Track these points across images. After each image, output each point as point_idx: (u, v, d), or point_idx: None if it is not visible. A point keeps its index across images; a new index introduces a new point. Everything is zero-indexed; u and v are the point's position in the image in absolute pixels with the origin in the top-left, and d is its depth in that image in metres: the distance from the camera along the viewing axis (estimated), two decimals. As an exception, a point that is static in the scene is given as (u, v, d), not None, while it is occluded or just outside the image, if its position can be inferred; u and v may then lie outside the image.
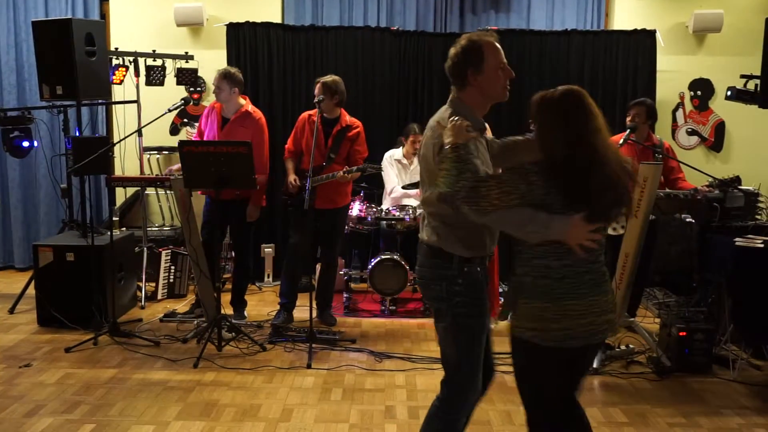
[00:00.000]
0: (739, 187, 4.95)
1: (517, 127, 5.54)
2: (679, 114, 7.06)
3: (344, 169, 5.02)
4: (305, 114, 5.23)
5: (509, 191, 2.27)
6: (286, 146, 5.33)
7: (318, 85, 5.08)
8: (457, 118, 2.42)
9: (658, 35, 6.68)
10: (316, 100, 4.96)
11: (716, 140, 7.04)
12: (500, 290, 5.97)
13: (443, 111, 2.60)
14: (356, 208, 5.70)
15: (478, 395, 2.68)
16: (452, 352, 2.62)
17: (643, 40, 6.69)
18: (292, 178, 5.12)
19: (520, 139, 2.77)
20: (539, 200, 2.27)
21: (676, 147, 6.88)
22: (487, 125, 2.88)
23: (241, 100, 5.20)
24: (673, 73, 6.90)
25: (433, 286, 2.61)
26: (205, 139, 5.21)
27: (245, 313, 5.42)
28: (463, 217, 2.44)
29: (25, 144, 5.82)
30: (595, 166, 2.28)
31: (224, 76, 5.11)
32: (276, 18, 6.89)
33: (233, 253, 5.52)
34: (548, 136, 2.36)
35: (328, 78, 5.09)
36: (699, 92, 7.02)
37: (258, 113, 5.25)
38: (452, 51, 2.60)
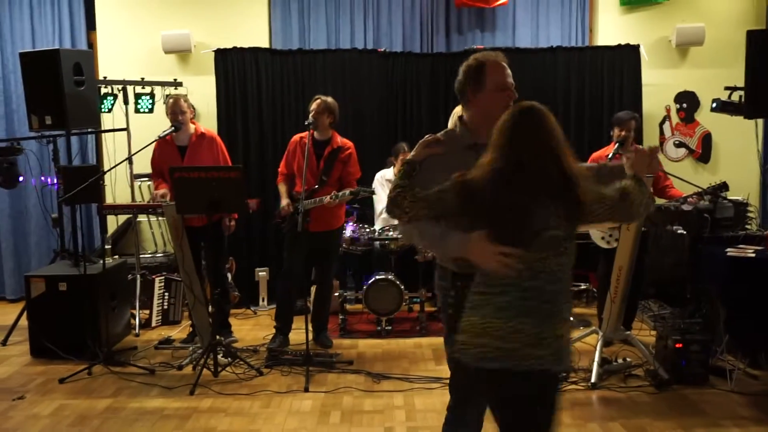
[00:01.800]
0: (729, 197, 4.99)
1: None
2: (666, 127, 7.13)
3: (332, 194, 4.96)
4: (296, 137, 5.24)
5: (418, 200, 2.33)
6: (279, 170, 5.33)
7: (317, 101, 5.07)
8: (428, 135, 2.55)
9: (642, 50, 6.76)
10: (307, 122, 4.97)
11: (704, 152, 7.11)
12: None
13: (450, 130, 2.72)
14: (349, 229, 5.70)
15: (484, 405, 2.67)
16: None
17: (628, 55, 6.78)
18: (285, 202, 5.12)
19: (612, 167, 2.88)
20: (448, 215, 2.33)
21: (664, 159, 6.96)
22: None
23: (191, 125, 5.23)
24: (658, 86, 6.98)
25: (438, 296, 2.75)
26: (165, 169, 5.13)
27: (233, 336, 5.40)
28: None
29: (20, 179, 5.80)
30: (511, 186, 2.18)
31: (185, 100, 5.17)
32: (263, 43, 6.93)
33: (209, 278, 5.38)
34: (492, 151, 2.27)
35: (328, 97, 5.12)
36: (684, 105, 7.10)
37: (211, 132, 5.34)
38: (460, 69, 2.66)
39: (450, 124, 4.99)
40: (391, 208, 2.39)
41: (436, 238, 2.43)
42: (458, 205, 2.26)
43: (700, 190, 4.95)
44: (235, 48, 6.68)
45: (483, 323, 2.21)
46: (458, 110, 5.25)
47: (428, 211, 2.33)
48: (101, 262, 5.09)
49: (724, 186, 4.94)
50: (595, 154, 5.39)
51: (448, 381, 4.44)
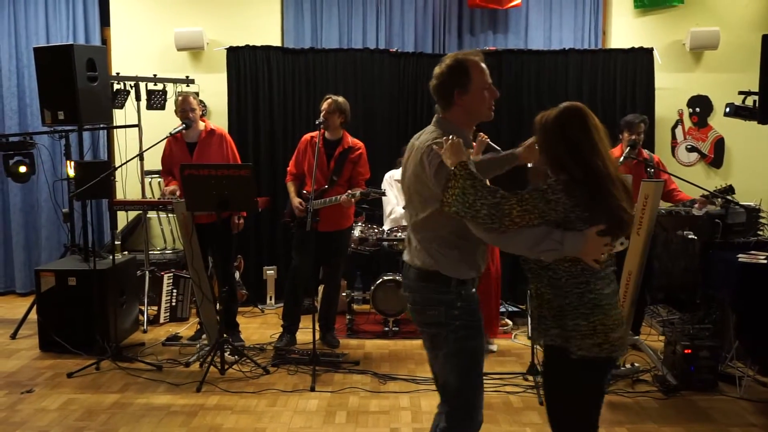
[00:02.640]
0: (741, 203, 4.96)
1: (516, 146, 5.57)
2: (678, 131, 7.08)
3: (347, 193, 4.98)
4: (307, 136, 5.24)
5: (530, 210, 2.28)
6: (288, 169, 5.33)
7: (328, 101, 5.07)
8: (452, 136, 2.42)
9: (655, 53, 6.72)
10: (318, 121, 4.97)
11: (716, 156, 7.06)
12: (501, 310, 5.96)
13: (431, 132, 2.58)
14: (358, 230, 5.70)
15: (482, 417, 2.63)
16: (454, 378, 2.56)
17: (641, 58, 6.74)
18: (297, 201, 5.11)
19: (489, 158, 2.87)
20: (561, 218, 2.28)
21: (675, 164, 6.92)
22: (478, 140, 2.93)
23: (201, 122, 5.24)
24: (671, 90, 6.93)
25: (429, 312, 2.54)
26: (175, 167, 5.16)
27: (241, 336, 5.40)
28: (459, 238, 2.46)
29: (22, 169, 5.81)
30: (606, 180, 2.31)
31: (194, 97, 5.18)
32: (275, 41, 6.94)
33: (217, 276, 5.42)
34: (551, 153, 2.40)
35: (339, 97, 5.12)
36: (698, 109, 7.05)
37: (221, 129, 5.33)
38: (437, 70, 2.57)
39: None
40: (498, 218, 2.27)
41: (554, 241, 2.27)
42: (574, 209, 2.28)
43: (707, 193, 4.93)
44: (247, 46, 6.69)
45: (614, 316, 2.38)
46: None
47: (540, 220, 2.29)
48: (111, 257, 5.11)
49: (730, 189, 4.91)
50: None
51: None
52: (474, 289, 2.59)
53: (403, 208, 5.74)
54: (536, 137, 2.49)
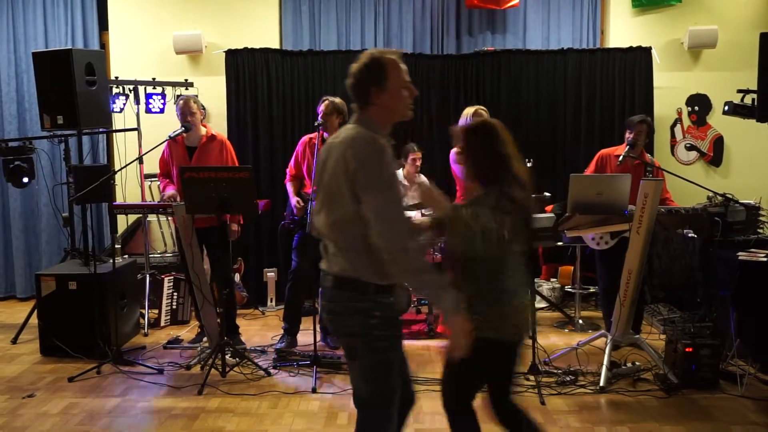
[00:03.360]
0: (741, 201, 4.96)
1: (525, 142, 5.58)
2: (678, 130, 7.09)
3: None
4: (306, 137, 5.25)
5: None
6: (288, 170, 5.34)
7: (325, 103, 5.07)
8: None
9: (653, 52, 6.73)
10: (317, 123, 4.98)
11: (715, 155, 7.06)
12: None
13: (353, 129, 2.47)
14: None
15: (395, 428, 2.55)
16: (366, 388, 2.49)
17: (639, 57, 6.74)
18: (296, 200, 5.12)
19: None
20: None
21: (675, 162, 6.92)
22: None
23: (202, 127, 5.25)
24: (670, 89, 6.94)
25: (346, 322, 2.45)
26: (174, 170, 5.19)
27: (242, 339, 5.39)
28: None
29: (24, 180, 5.80)
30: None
31: (195, 101, 5.17)
32: (274, 44, 6.94)
33: (216, 279, 5.42)
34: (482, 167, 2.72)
35: (337, 99, 5.12)
36: (696, 107, 7.06)
37: (221, 135, 5.33)
38: (354, 68, 2.50)
39: (461, 123, 5.02)
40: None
41: (439, 287, 2.43)
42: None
43: (709, 198, 4.94)
44: (245, 49, 6.69)
45: (514, 304, 2.68)
46: (469, 110, 5.24)
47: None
48: (111, 261, 5.11)
49: (731, 201, 4.90)
50: (603, 151, 5.37)
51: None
52: (395, 297, 2.46)
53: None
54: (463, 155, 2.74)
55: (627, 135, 5.16)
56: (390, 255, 2.32)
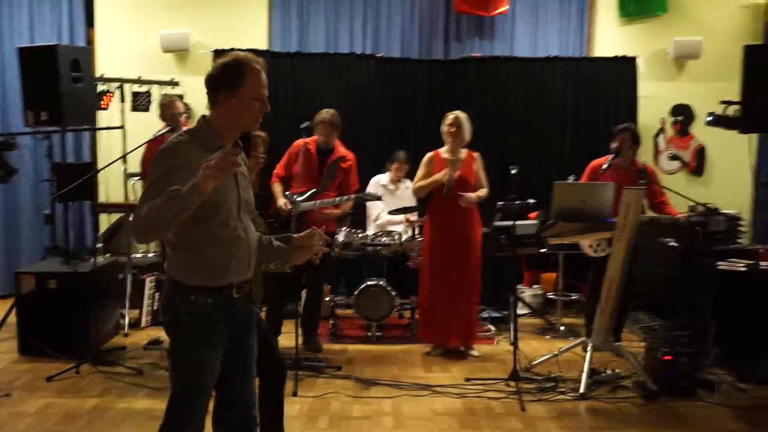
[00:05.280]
0: (721, 211, 5.02)
1: (498, 151, 5.62)
2: (661, 139, 7.16)
3: (344, 197, 5.14)
4: (301, 141, 5.24)
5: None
6: (275, 171, 5.34)
7: (320, 125, 5.21)
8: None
9: (638, 61, 6.78)
10: (303, 125, 4.99)
11: (697, 165, 7.14)
12: (484, 316, 5.98)
13: (176, 136, 2.40)
14: (342, 234, 5.68)
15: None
16: (173, 383, 2.44)
17: (625, 67, 6.80)
18: (282, 202, 5.12)
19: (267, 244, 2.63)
20: None
21: (658, 172, 6.97)
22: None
23: (185, 127, 5.25)
24: (654, 99, 6.99)
25: (165, 311, 2.44)
26: None
27: None
28: (182, 238, 2.33)
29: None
30: None
31: (180, 101, 5.21)
32: (262, 44, 6.93)
33: None
34: None
35: (326, 115, 5.21)
36: (680, 117, 7.13)
37: None
38: (215, 63, 2.42)
39: (467, 131, 5.03)
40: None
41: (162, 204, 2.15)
42: None
43: (691, 207, 5.00)
44: (233, 49, 6.64)
45: None
46: (449, 116, 5.23)
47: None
48: (92, 260, 5.07)
49: (714, 211, 4.96)
50: (593, 163, 5.40)
51: (437, 388, 4.47)
52: (214, 299, 2.36)
53: (390, 212, 5.79)
54: None
55: (611, 144, 5.20)
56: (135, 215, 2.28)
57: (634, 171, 5.13)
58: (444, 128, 5.19)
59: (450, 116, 5.18)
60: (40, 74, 5.30)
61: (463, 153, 5.25)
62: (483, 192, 5.19)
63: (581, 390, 4.38)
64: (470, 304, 5.24)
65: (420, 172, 5.26)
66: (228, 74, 2.37)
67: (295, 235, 2.65)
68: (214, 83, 2.39)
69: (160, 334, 5.60)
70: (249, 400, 2.58)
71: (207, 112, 2.50)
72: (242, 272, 2.45)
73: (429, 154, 5.27)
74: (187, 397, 2.42)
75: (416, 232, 5.78)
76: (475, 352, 5.28)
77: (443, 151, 5.25)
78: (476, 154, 5.29)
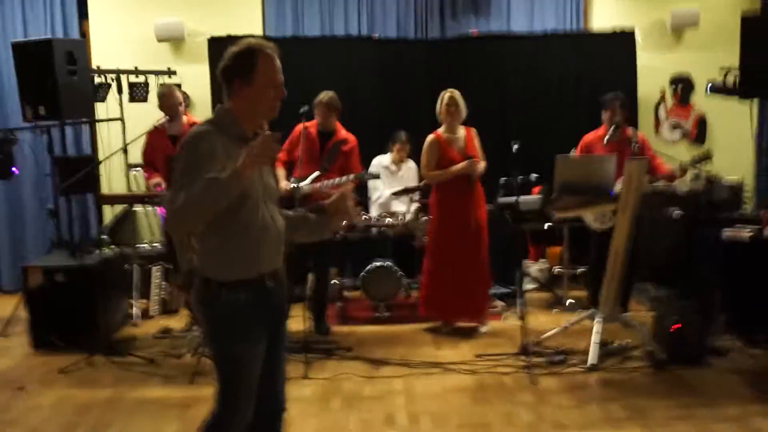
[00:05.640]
0: (724, 179, 5.02)
1: (499, 127, 5.61)
2: (661, 110, 7.14)
3: (342, 178, 5.09)
4: (301, 125, 5.23)
5: None
6: (278, 156, 5.33)
7: (320, 107, 5.22)
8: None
9: (636, 33, 6.74)
10: (302, 110, 4.97)
11: (699, 134, 7.12)
12: (492, 292, 5.99)
13: (198, 125, 2.40)
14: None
15: (244, 423, 2.47)
16: (218, 378, 2.45)
17: (623, 39, 6.76)
18: (284, 184, 5.12)
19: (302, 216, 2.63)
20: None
21: (659, 142, 6.97)
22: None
23: (183, 116, 5.27)
24: (653, 69, 6.96)
25: (198, 308, 2.43)
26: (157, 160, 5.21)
27: None
28: (212, 228, 2.30)
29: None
30: None
31: (178, 90, 5.22)
32: (257, 30, 6.89)
33: None
34: None
35: (325, 96, 5.21)
36: (680, 87, 7.10)
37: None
38: (228, 51, 2.36)
39: (464, 109, 5.00)
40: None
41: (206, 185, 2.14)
42: None
43: (682, 167, 5.01)
44: (228, 36, 6.61)
45: None
46: (444, 94, 5.19)
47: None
48: (98, 252, 5.08)
49: (707, 155, 4.95)
50: (587, 137, 5.41)
51: (448, 365, 4.50)
52: (247, 293, 2.35)
53: (393, 194, 5.80)
54: None
55: (604, 115, 5.21)
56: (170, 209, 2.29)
57: (626, 139, 5.12)
58: (441, 108, 5.18)
59: (446, 95, 5.17)
60: (36, 69, 5.27)
61: (462, 130, 5.24)
62: (483, 164, 5.20)
63: (591, 362, 4.40)
64: (482, 280, 5.26)
65: (426, 158, 5.22)
66: (240, 63, 2.34)
67: (326, 202, 2.63)
68: (228, 73, 2.36)
69: (170, 323, 5.64)
70: (280, 388, 2.59)
71: (206, 100, 2.48)
72: (272, 260, 2.44)
73: (430, 137, 5.24)
74: (232, 389, 2.43)
75: (420, 212, 5.78)
76: (485, 329, 5.31)
77: (443, 131, 5.24)
78: (473, 130, 5.29)
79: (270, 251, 2.42)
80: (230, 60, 2.35)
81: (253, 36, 6.58)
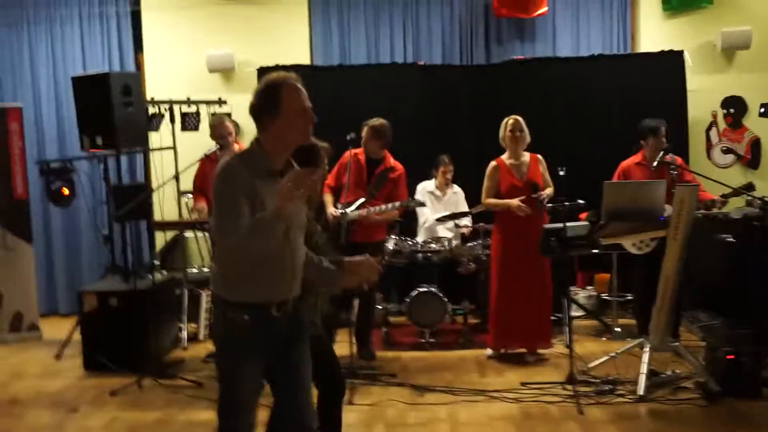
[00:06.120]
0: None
1: (545, 152, 5.56)
2: (713, 133, 6.99)
3: (388, 205, 5.13)
4: (349, 152, 5.30)
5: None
6: (326, 182, 5.40)
7: (365, 129, 5.27)
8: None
9: (686, 55, 6.65)
10: (349, 137, 5.05)
11: (753, 157, 6.94)
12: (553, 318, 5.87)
13: (228, 157, 2.51)
14: (392, 242, 5.71)
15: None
16: (219, 396, 2.53)
17: (672, 61, 6.67)
18: (331, 210, 5.17)
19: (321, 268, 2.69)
20: None
21: (711, 166, 6.82)
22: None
23: (235, 145, 5.40)
24: (704, 92, 6.84)
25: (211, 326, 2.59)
26: (207, 187, 5.33)
27: None
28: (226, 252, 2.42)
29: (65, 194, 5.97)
30: None
31: (230, 121, 5.37)
32: (305, 59, 7.03)
33: None
34: None
35: (376, 122, 5.26)
36: (732, 110, 6.95)
37: None
38: (253, 92, 2.51)
39: (527, 134, 4.99)
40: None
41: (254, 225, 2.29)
42: None
43: (723, 195, 4.92)
44: (277, 66, 6.77)
45: None
46: (521, 121, 5.16)
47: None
48: (150, 277, 5.21)
49: (750, 186, 4.87)
50: (624, 164, 5.36)
51: (493, 393, 4.45)
52: (251, 315, 2.42)
53: (438, 219, 5.80)
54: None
55: (652, 141, 5.15)
56: (221, 245, 2.42)
57: (663, 164, 5.03)
58: (506, 133, 5.16)
59: (510, 120, 5.16)
60: (94, 101, 5.47)
61: (526, 156, 5.22)
62: (550, 191, 5.15)
63: (640, 392, 4.30)
64: (546, 307, 5.21)
65: (486, 183, 5.24)
66: (266, 99, 2.45)
67: (346, 259, 2.69)
68: (257, 112, 2.48)
69: (218, 347, 5.72)
70: (302, 413, 2.60)
71: (253, 128, 2.56)
72: (283, 290, 2.49)
73: (492, 164, 5.25)
74: (227, 411, 2.51)
75: (465, 238, 5.77)
76: (546, 353, 5.26)
77: (506, 158, 5.23)
78: (539, 156, 5.26)
79: (281, 281, 2.48)
80: (256, 98, 2.48)
81: (300, 66, 6.80)
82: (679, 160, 5.28)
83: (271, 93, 2.44)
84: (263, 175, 2.41)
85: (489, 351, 5.34)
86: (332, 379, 3.19)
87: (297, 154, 2.69)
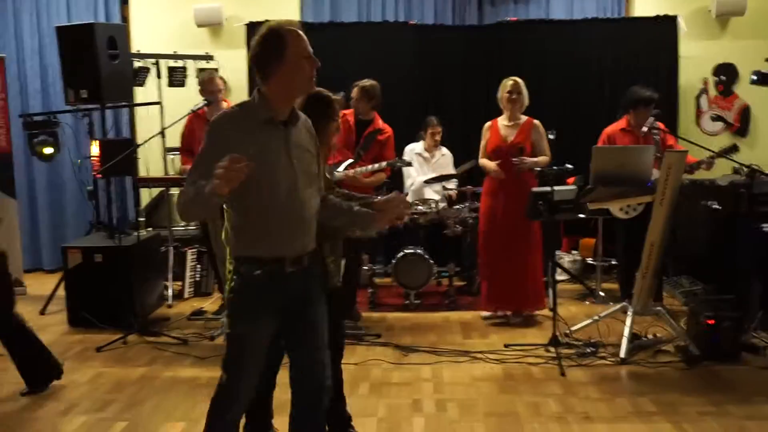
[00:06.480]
0: (766, 171, 4.90)
1: (535, 116, 5.54)
2: (703, 100, 6.97)
3: (375, 165, 5.08)
4: (342, 112, 5.25)
5: None
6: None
7: (356, 89, 5.20)
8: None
9: (680, 20, 6.59)
10: (337, 95, 4.97)
11: (742, 125, 6.94)
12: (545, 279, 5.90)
13: (228, 109, 2.54)
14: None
15: (241, 404, 2.56)
16: (226, 347, 2.52)
17: (665, 26, 6.62)
18: None
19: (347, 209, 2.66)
20: None
21: (700, 133, 6.82)
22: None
23: (223, 102, 5.32)
24: (696, 58, 6.80)
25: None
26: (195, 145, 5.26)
27: None
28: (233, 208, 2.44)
29: (48, 150, 5.87)
30: None
31: (219, 77, 5.27)
32: (295, 16, 6.90)
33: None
34: None
35: (367, 83, 5.20)
36: (723, 77, 6.92)
37: None
38: (254, 40, 2.42)
39: (526, 97, 4.87)
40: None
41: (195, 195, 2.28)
42: None
43: (736, 170, 4.91)
44: (266, 21, 6.64)
45: None
46: (521, 83, 5.08)
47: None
48: (135, 234, 5.18)
49: (733, 148, 4.87)
50: (608, 129, 5.34)
51: (476, 354, 4.49)
52: (262, 271, 2.40)
53: (426, 182, 5.78)
54: None
55: (643, 111, 5.11)
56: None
57: (647, 129, 5.02)
58: (503, 95, 5.11)
59: (509, 82, 5.10)
60: (79, 53, 5.38)
61: (523, 119, 5.18)
62: (541, 159, 5.08)
63: (622, 355, 4.35)
64: (537, 269, 5.24)
65: (481, 143, 5.25)
66: (270, 45, 2.37)
67: (377, 199, 2.67)
68: (259, 58, 2.40)
69: (203, 304, 5.74)
70: (319, 370, 2.58)
71: (243, 85, 2.52)
72: (296, 245, 2.45)
73: (487, 123, 5.24)
74: (231, 372, 2.49)
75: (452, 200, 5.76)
76: (540, 313, 5.32)
77: (502, 119, 5.19)
78: (536, 122, 5.17)
79: (292, 236, 2.44)
80: (259, 46, 2.40)
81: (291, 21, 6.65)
82: (660, 124, 5.26)
83: (275, 39, 2.37)
84: (264, 123, 2.38)
85: (484, 313, 5.37)
86: (334, 340, 3.16)
87: (310, 106, 2.68)
